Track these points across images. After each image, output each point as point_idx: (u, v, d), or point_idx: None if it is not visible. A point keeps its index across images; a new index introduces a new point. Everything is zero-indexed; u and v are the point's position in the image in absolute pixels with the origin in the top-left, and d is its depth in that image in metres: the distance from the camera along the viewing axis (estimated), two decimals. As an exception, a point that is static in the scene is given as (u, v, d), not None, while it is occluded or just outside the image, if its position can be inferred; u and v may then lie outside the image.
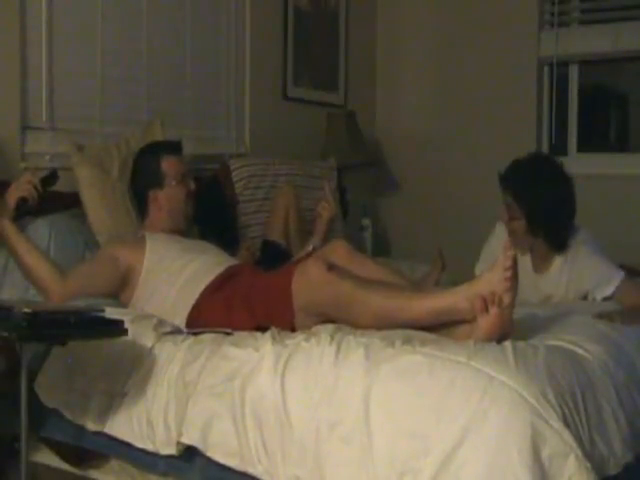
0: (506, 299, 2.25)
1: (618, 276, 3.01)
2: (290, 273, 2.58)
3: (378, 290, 2.47)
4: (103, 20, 3.59)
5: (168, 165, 3.16)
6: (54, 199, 3.12)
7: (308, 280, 2.51)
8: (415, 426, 2.01)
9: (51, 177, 2.97)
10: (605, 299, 3.02)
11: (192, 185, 3.20)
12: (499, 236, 3.19)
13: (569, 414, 1.98)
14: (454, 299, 2.34)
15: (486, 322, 2.25)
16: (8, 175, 3.14)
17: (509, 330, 2.29)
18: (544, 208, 3.00)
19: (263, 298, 2.63)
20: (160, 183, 3.15)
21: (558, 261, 3.09)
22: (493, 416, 1.93)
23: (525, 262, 3.13)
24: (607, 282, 3.01)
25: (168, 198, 3.15)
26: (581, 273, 3.06)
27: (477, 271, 3.27)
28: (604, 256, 3.08)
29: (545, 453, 1.89)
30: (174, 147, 3.24)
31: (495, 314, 2.24)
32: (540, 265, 3.12)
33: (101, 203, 3.20)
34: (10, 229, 2.83)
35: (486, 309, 2.24)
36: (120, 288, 2.91)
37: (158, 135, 3.48)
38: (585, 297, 3.08)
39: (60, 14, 3.41)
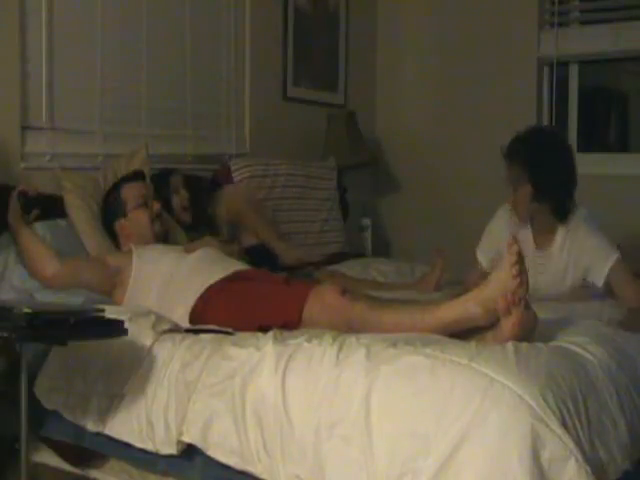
0: (519, 295, 2.24)
1: (614, 256, 3.07)
2: (304, 293, 2.59)
3: (390, 308, 2.48)
4: (103, 21, 3.59)
5: (127, 191, 3.23)
6: (54, 204, 3.16)
7: (322, 305, 2.54)
8: (415, 427, 2.00)
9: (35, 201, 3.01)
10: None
11: (156, 206, 3.24)
12: (501, 220, 3.27)
13: (569, 418, 1.97)
14: (465, 307, 2.33)
15: (510, 323, 2.24)
16: (8, 175, 3.15)
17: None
18: (550, 171, 3.08)
19: (271, 309, 2.63)
20: (123, 212, 3.21)
21: (560, 235, 3.14)
22: (493, 418, 1.93)
23: (527, 238, 3.18)
24: (604, 259, 3.07)
25: (132, 224, 3.20)
26: (581, 248, 3.11)
27: (479, 256, 3.36)
28: (603, 234, 3.13)
29: (545, 456, 1.89)
30: (133, 175, 3.32)
31: (518, 314, 2.24)
32: (542, 241, 3.17)
33: (88, 227, 3.22)
34: (19, 223, 2.92)
35: (509, 310, 2.24)
36: (111, 287, 2.94)
37: (142, 163, 3.48)
38: (584, 278, 3.13)
39: (60, 14, 3.41)
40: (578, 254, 3.11)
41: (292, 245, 3.90)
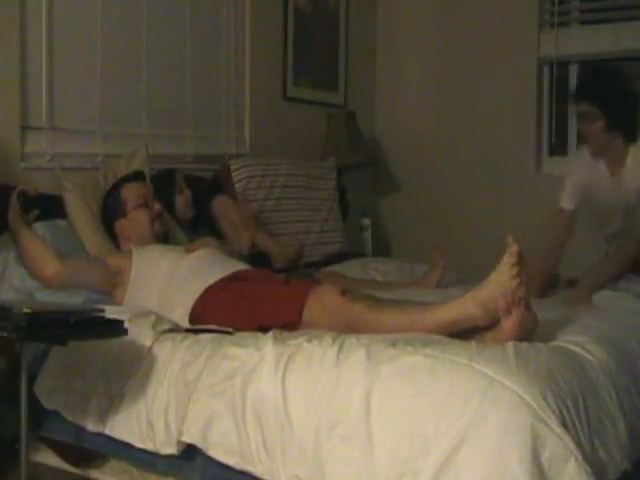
0: (519, 295, 2.24)
1: None
2: (304, 294, 2.60)
3: (390, 309, 2.48)
4: (103, 21, 3.59)
5: (127, 192, 3.23)
6: (54, 204, 3.16)
7: (322, 305, 2.55)
8: (415, 427, 2.00)
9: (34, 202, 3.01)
10: None
11: (156, 206, 3.24)
12: (579, 162, 3.50)
13: (569, 417, 1.97)
14: (464, 307, 2.33)
15: (510, 323, 2.24)
16: (8, 175, 3.15)
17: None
18: (619, 99, 3.33)
19: (271, 309, 2.63)
20: (123, 212, 3.21)
21: (631, 155, 3.34)
22: (493, 418, 1.93)
23: (601, 171, 3.43)
24: None
25: (133, 224, 3.20)
26: None
27: (565, 204, 3.48)
28: None
29: (545, 456, 1.88)
30: (134, 175, 3.32)
31: (518, 315, 2.24)
32: (615, 166, 3.37)
33: (88, 228, 3.22)
34: (19, 223, 2.93)
35: (509, 311, 2.24)
36: (112, 287, 2.95)
37: (142, 163, 3.48)
38: None
39: (60, 14, 3.40)
40: None
41: (284, 244, 3.87)
